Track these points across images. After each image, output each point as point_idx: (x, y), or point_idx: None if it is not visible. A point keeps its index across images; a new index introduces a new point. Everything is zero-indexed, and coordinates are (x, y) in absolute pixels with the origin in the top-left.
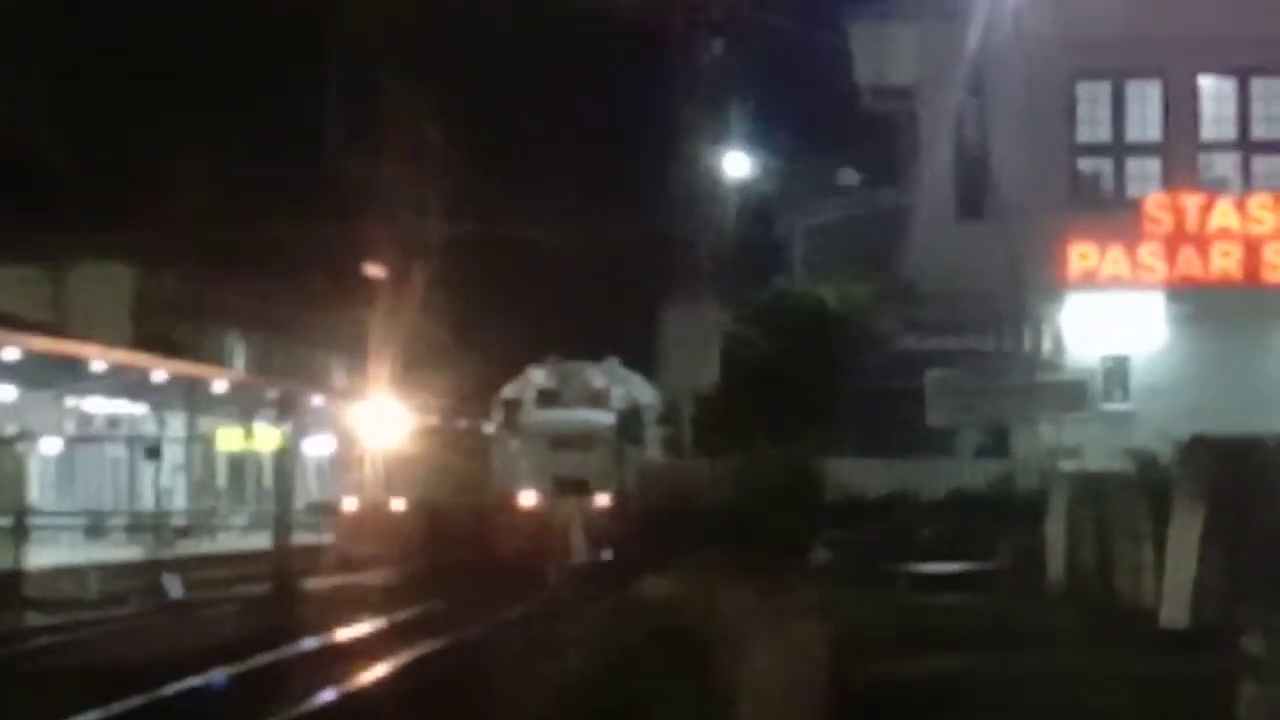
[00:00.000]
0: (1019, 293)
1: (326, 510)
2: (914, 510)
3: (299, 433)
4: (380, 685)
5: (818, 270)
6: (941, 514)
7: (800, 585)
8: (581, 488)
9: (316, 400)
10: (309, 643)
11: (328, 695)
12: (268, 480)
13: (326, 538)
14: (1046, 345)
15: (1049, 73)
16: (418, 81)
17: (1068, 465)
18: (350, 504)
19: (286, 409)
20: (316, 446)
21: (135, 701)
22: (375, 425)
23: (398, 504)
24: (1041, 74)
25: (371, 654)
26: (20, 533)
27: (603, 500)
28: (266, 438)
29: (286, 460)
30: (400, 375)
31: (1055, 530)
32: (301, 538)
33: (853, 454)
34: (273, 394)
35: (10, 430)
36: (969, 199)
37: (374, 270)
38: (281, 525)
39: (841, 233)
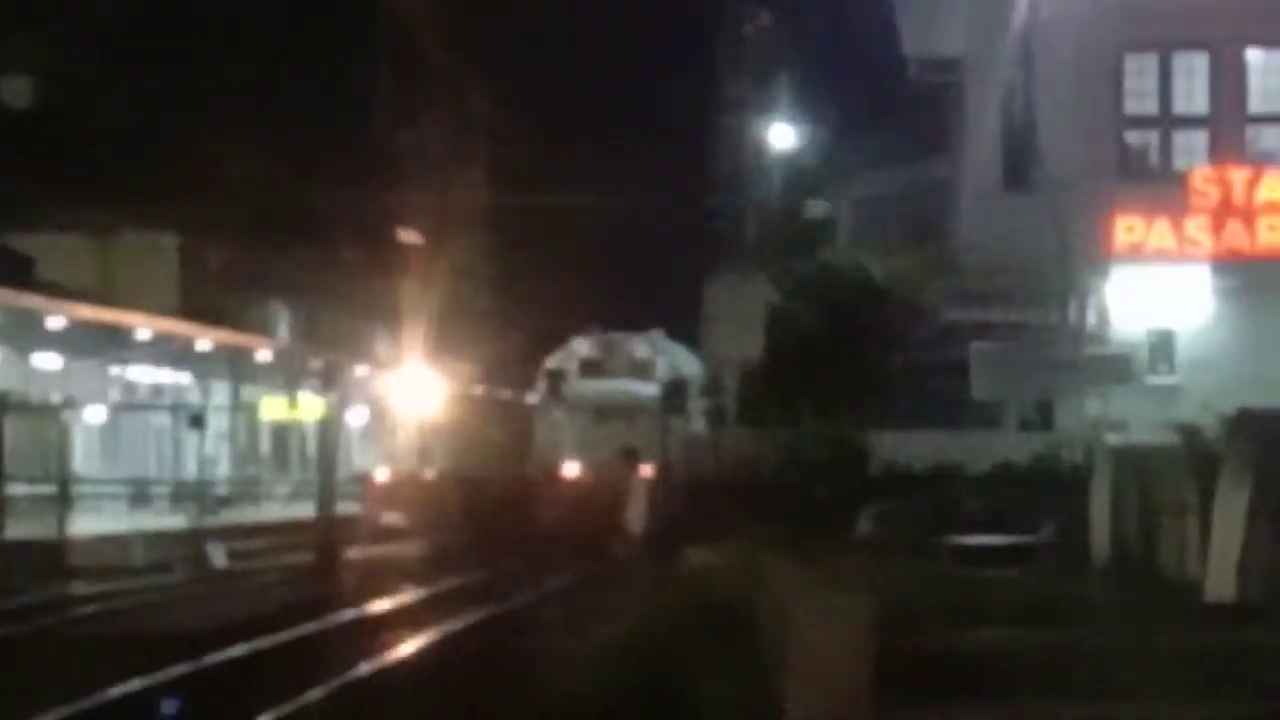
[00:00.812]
0: (1065, 265)
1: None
2: (959, 483)
3: (342, 402)
4: (423, 655)
5: (863, 242)
6: (986, 487)
7: (845, 557)
8: (633, 457)
9: (360, 370)
10: (352, 612)
11: (371, 664)
12: (311, 450)
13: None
14: (1092, 318)
15: (1096, 45)
16: (465, 52)
17: (1113, 438)
18: (382, 473)
19: (330, 378)
20: (359, 416)
21: (180, 669)
22: (410, 394)
23: (431, 473)
24: (1089, 46)
25: (415, 623)
26: (65, 501)
27: (647, 471)
28: (310, 407)
29: (330, 429)
30: (441, 345)
31: (1100, 503)
32: (344, 507)
33: (898, 426)
34: (317, 363)
35: (56, 398)
36: (1015, 171)
37: (417, 240)
38: (325, 495)
39: (888, 205)
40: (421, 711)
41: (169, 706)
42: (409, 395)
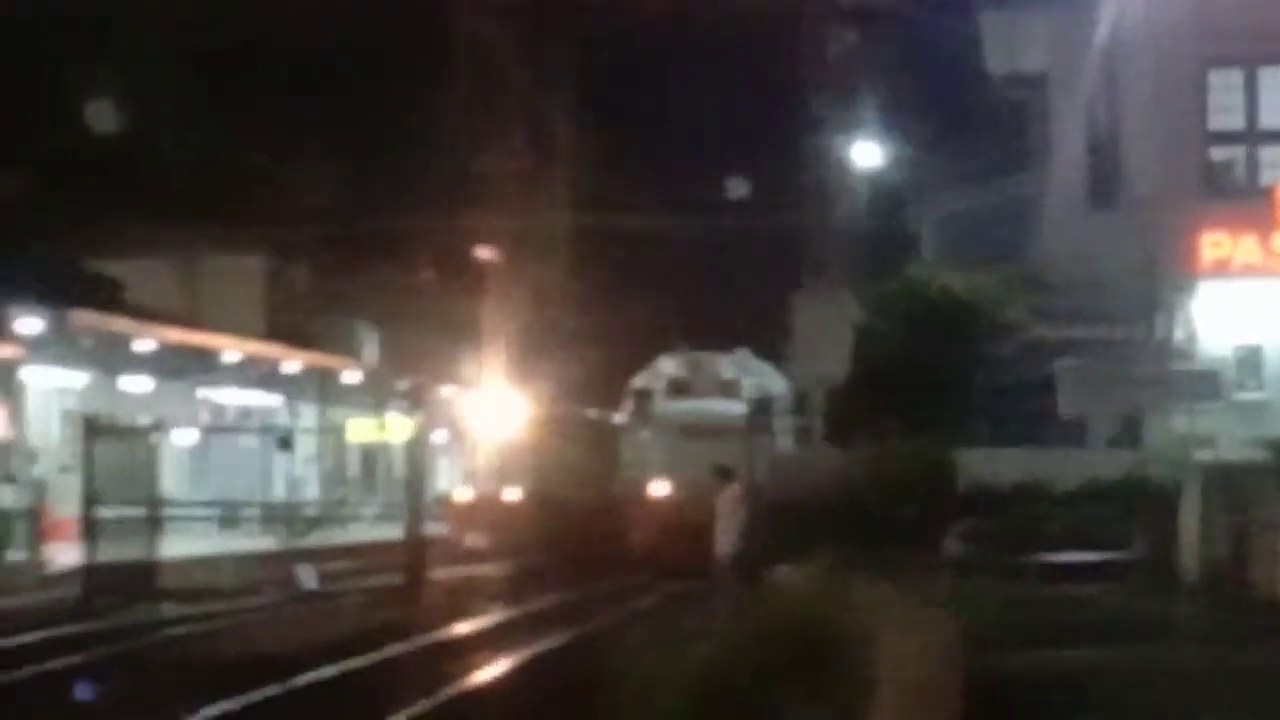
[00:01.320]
0: (1151, 282)
1: (445, 501)
2: (1046, 500)
3: (429, 423)
4: (511, 676)
5: (948, 259)
6: (1073, 504)
7: (932, 577)
8: (725, 476)
9: (445, 391)
10: (441, 634)
11: (459, 686)
12: (398, 471)
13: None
14: (1179, 334)
15: (1180, 60)
16: (546, 73)
17: (1201, 455)
18: (464, 494)
19: (417, 399)
20: (444, 437)
21: (270, 691)
22: (493, 414)
23: (515, 494)
24: (1173, 62)
25: (502, 645)
26: (154, 524)
27: (736, 490)
28: (397, 428)
29: (417, 451)
30: (525, 365)
31: (1189, 521)
32: (432, 529)
33: (984, 444)
34: (403, 384)
35: (145, 421)
36: (1100, 187)
37: (500, 261)
38: (413, 516)
39: (972, 221)
40: None
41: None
42: (492, 415)
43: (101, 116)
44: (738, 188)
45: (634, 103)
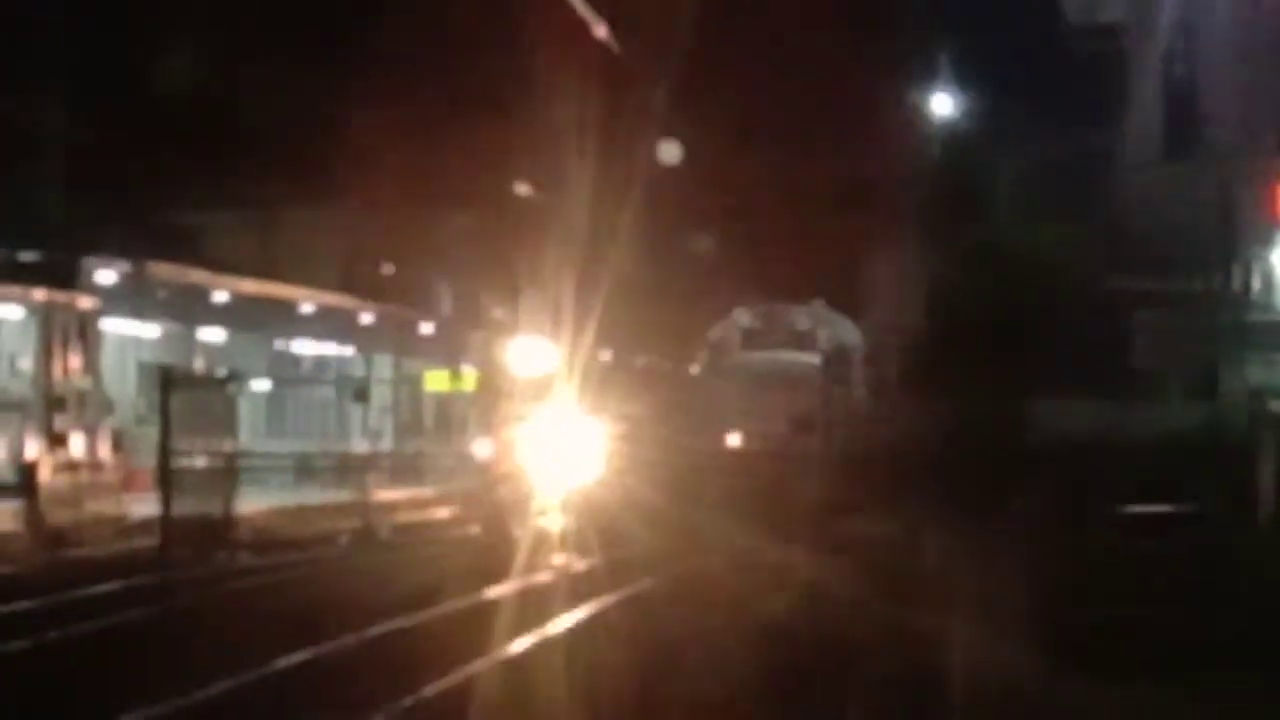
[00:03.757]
0: (1228, 233)
1: None
2: (1121, 452)
3: (504, 374)
4: (587, 623)
5: (1024, 211)
6: (1149, 456)
7: (1006, 526)
8: (804, 427)
9: (521, 341)
10: (523, 581)
11: (540, 634)
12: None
13: None
14: (1256, 285)
15: (1260, 10)
16: (624, 18)
17: (1277, 407)
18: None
19: (492, 350)
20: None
21: (348, 640)
22: (568, 365)
23: None
24: (1252, 12)
25: (579, 593)
26: (231, 475)
27: (815, 442)
28: (473, 380)
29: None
30: (601, 317)
31: (1265, 472)
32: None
33: (1059, 396)
34: (479, 335)
35: (221, 372)
36: (1178, 138)
37: (580, 214)
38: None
39: (1048, 173)
40: (578, 683)
41: None
42: (567, 366)
43: (174, 69)
44: (812, 138)
45: (710, 53)
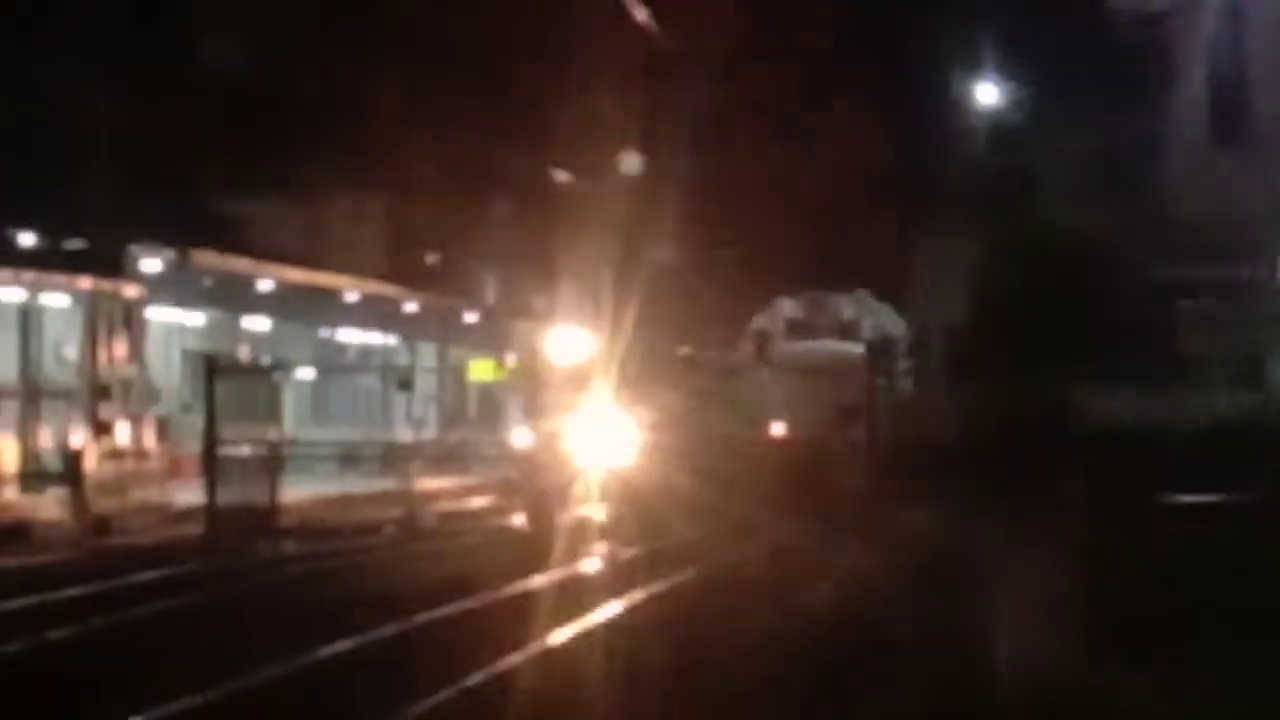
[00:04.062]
0: (1274, 220)
1: None
2: (1166, 440)
3: (548, 364)
4: (631, 613)
5: (1069, 198)
6: (1195, 445)
7: (1051, 515)
8: (849, 417)
9: (565, 331)
10: (568, 570)
11: (584, 623)
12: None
13: None
14: None
15: None
16: (660, 7)
17: None
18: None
19: (536, 340)
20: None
21: (389, 629)
22: (609, 355)
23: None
24: None
25: (625, 582)
26: (275, 463)
27: (859, 431)
28: (513, 368)
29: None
30: (643, 306)
31: None
32: None
33: (1104, 384)
34: (523, 325)
35: (265, 361)
36: (1223, 126)
37: (623, 203)
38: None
39: (1092, 160)
40: (622, 671)
41: None
42: (608, 356)
43: (218, 54)
44: (856, 126)
45: (749, 39)
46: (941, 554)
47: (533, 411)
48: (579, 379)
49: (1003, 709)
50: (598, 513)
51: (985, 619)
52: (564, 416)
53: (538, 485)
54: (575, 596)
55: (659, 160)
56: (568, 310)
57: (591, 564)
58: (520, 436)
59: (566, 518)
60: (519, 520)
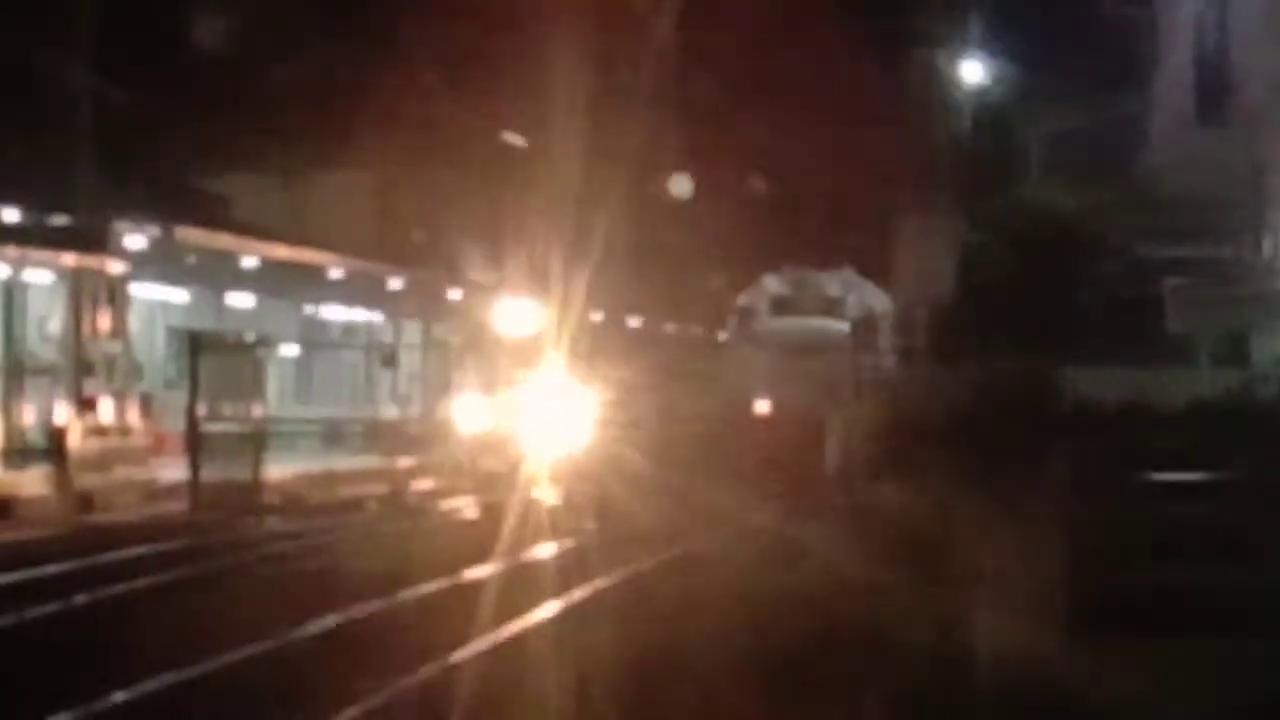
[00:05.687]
0: (1260, 200)
1: None
2: (1150, 419)
3: (535, 341)
4: (610, 590)
5: (1053, 177)
6: (1179, 423)
7: (1035, 494)
8: (832, 394)
9: (552, 308)
10: (553, 547)
11: (558, 602)
12: None
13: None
14: None
15: None
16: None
17: None
18: None
19: (522, 317)
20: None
21: (374, 606)
22: (599, 333)
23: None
24: None
25: (614, 558)
26: (259, 440)
27: (843, 408)
28: (453, 342)
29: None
30: (631, 283)
31: None
32: None
33: (1089, 363)
34: (509, 301)
35: (250, 338)
36: (1209, 105)
37: (613, 182)
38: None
39: (1077, 139)
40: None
41: None
42: (598, 334)
43: (206, 31)
44: (842, 106)
45: (738, 22)
46: (923, 534)
47: (472, 385)
48: (526, 353)
49: (975, 696)
50: (588, 488)
51: (965, 603)
52: (512, 392)
53: (478, 464)
54: (555, 575)
55: (655, 142)
56: (563, 289)
57: (575, 540)
58: (458, 411)
59: (556, 494)
60: (503, 497)
